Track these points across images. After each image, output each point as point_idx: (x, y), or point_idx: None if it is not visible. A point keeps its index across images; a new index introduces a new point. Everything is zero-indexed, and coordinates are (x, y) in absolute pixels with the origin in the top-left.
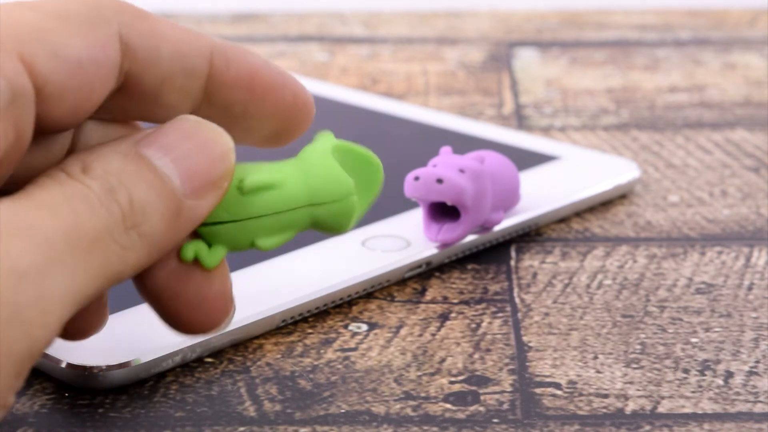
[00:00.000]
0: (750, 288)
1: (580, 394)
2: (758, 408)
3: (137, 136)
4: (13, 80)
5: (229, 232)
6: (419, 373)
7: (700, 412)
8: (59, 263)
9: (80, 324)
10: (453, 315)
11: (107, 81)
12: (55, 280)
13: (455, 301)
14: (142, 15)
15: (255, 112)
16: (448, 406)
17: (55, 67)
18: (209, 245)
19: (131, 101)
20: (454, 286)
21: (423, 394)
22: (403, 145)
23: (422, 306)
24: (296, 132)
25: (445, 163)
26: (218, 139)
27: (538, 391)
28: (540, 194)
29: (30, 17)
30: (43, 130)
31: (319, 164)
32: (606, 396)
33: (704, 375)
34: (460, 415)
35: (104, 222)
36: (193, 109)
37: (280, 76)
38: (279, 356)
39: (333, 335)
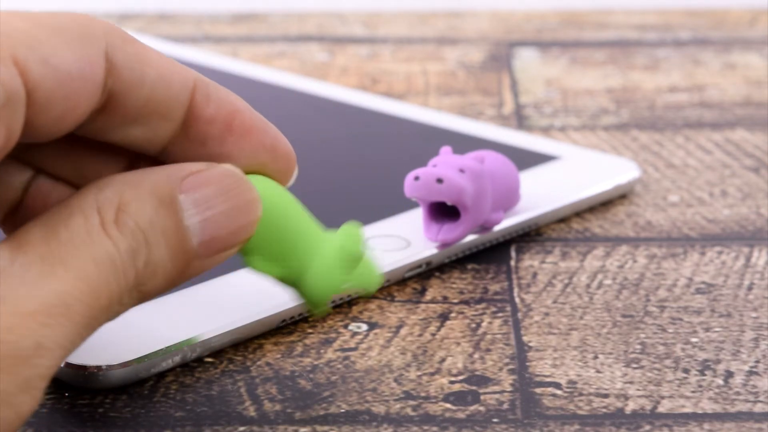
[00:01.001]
0: (750, 288)
1: (580, 394)
2: (758, 408)
3: (182, 172)
4: (8, 84)
5: None
6: (419, 373)
7: (700, 411)
8: (73, 326)
9: None
10: (453, 315)
11: (92, 96)
12: (65, 337)
13: (455, 301)
14: (129, 39)
15: (232, 151)
16: (448, 405)
17: (46, 74)
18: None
19: (113, 122)
20: (454, 286)
21: (423, 394)
22: (403, 145)
23: (422, 306)
24: (279, 181)
25: (445, 163)
26: (251, 206)
27: (538, 391)
28: (540, 194)
29: (23, 26)
30: (27, 137)
31: (317, 279)
32: (606, 396)
33: (704, 375)
34: (460, 415)
35: (120, 289)
36: (172, 138)
37: (261, 121)
38: (279, 356)
39: (333, 335)
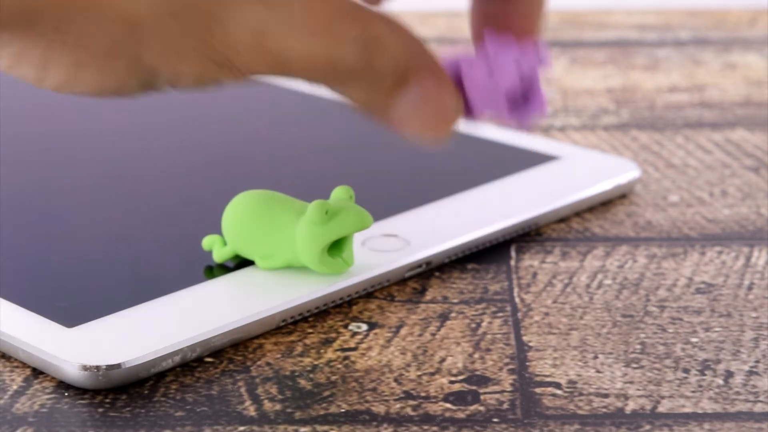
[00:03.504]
0: (750, 288)
1: (580, 394)
2: (758, 408)
3: None
4: None
5: None
6: (419, 373)
7: (700, 411)
8: None
9: None
10: (453, 315)
11: None
12: None
13: (455, 300)
14: None
15: None
16: (448, 405)
17: None
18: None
19: None
20: (454, 285)
21: (423, 394)
22: (403, 145)
23: (422, 306)
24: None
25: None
26: None
27: (538, 390)
28: (540, 194)
29: None
30: None
31: (300, 246)
32: (606, 396)
33: (704, 375)
34: (460, 415)
35: None
36: None
37: None
38: (279, 356)
39: (333, 335)
